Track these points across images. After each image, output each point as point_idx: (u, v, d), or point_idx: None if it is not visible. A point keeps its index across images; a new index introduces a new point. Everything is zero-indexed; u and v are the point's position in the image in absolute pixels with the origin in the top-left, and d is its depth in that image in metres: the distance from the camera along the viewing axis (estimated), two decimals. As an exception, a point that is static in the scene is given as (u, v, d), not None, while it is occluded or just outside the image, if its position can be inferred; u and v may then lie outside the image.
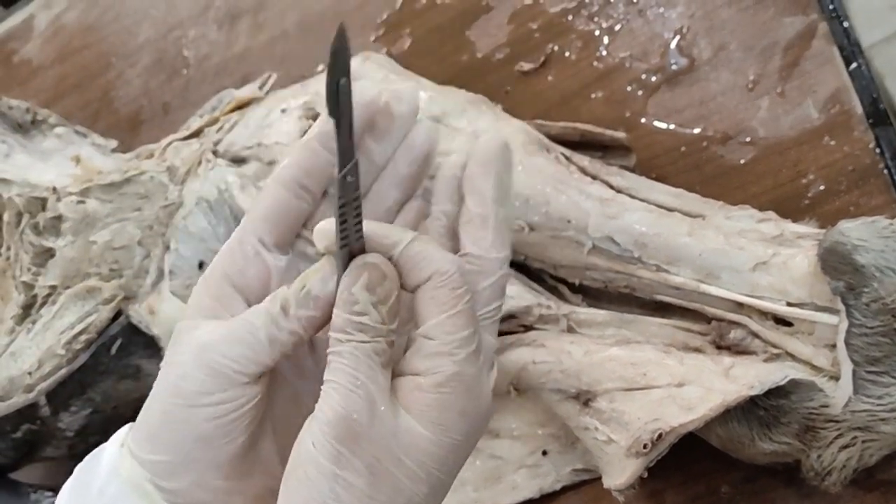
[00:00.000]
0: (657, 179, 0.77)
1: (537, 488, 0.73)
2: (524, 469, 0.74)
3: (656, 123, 0.83)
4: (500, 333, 0.73)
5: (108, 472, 0.51)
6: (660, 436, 0.60)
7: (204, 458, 0.47)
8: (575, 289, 0.76)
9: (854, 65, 0.76)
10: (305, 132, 0.78)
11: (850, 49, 0.76)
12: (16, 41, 1.51)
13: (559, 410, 0.69)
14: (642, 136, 0.83)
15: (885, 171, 0.71)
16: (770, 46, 0.80)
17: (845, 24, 0.77)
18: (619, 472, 0.63)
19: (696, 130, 0.81)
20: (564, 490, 0.72)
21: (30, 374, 0.88)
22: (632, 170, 0.78)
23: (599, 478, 0.65)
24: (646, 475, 0.62)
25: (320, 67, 1.08)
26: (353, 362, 0.43)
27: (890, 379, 0.59)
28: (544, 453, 0.73)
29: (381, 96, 0.52)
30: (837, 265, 0.59)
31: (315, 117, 0.84)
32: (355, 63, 0.87)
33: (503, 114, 0.81)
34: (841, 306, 0.59)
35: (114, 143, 1.19)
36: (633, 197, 0.73)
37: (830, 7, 0.78)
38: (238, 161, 0.88)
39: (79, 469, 0.55)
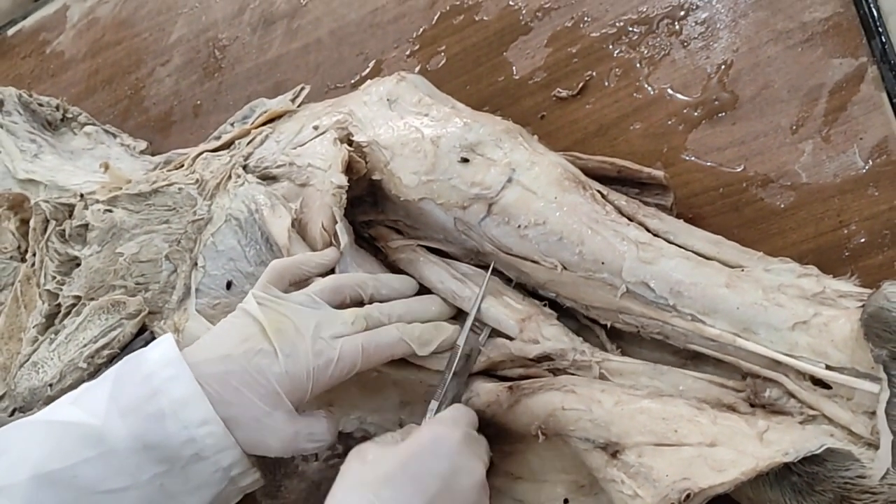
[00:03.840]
0: (694, 219, 0.76)
1: (555, 538, 0.72)
2: (544, 516, 0.73)
3: (695, 160, 0.82)
4: (531, 376, 0.73)
5: (160, 361, 0.67)
6: (688, 496, 0.59)
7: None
8: (608, 331, 0.75)
9: (903, 112, 0.74)
10: (342, 159, 0.77)
11: (901, 95, 0.74)
12: (49, 31, 1.50)
13: (586, 460, 0.67)
14: (680, 172, 0.81)
15: (932, 227, 0.70)
16: (816, 88, 0.78)
17: (896, 69, 0.75)
18: (644, 529, 0.61)
19: (737, 170, 0.79)
20: (586, 542, 0.71)
21: (51, 385, 0.87)
22: (669, 209, 0.77)
23: (623, 536, 0.64)
24: (668, 535, 0.61)
25: (355, 79, 1.07)
26: None
27: (930, 453, 0.57)
28: (566, 502, 0.72)
29: None
30: (881, 332, 0.58)
31: (347, 138, 0.83)
32: (390, 83, 0.86)
33: (539, 145, 0.80)
34: (883, 375, 0.58)
35: (143, 145, 1.19)
36: (670, 242, 0.71)
37: (881, 50, 0.76)
38: (268, 178, 0.87)
39: (123, 362, 0.69)
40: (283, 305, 0.71)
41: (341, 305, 0.74)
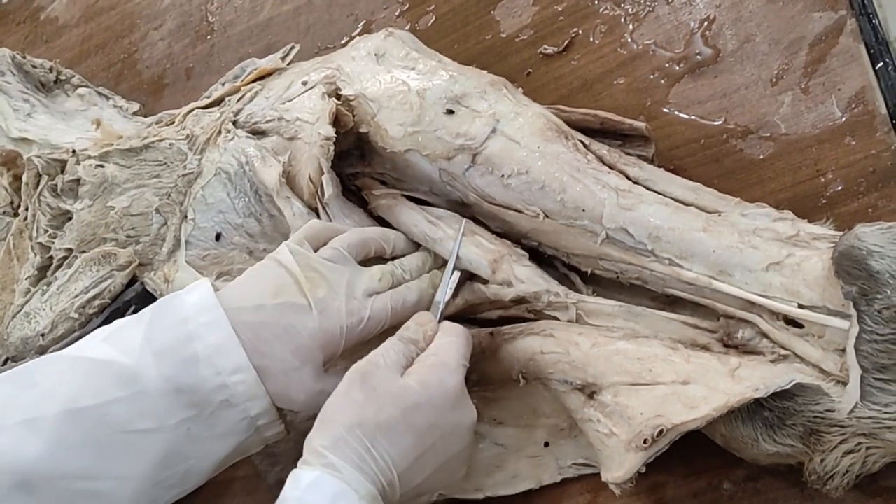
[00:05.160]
0: (675, 171, 0.77)
1: (537, 479, 0.73)
2: (526, 459, 0.74)
3: (677, 113, 0.83)
4: (510, 320, 0.74)
5: (197, 306, 0.68)
6: (661, 432, 0.61)
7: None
8: (586, 278, 0.76)
9: (881, 64, 0.75)
10: (329, 111, 0.78)
11: (878, 47, 0.75)
12: (43, -3, 1.51)
13: (565, 401, 0.69)
14: (662, 125, 0.82)
15: (906, 174, 0.71)
16: (796, 41, 0.79)
17: (874, 22, 0.76)
18: (618, 466, 0.63)
19: (717, 123, 0.80)
20: (565, 481, 0.73)
21: (42, 335, 0.88)
22: (650, 160, 0.78)
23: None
24: (644, 470, 0.62)
25: (345, 40, 1.08)
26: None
27: (898, 387, 0.58)
28: (546, 444, 0.74)
29: None
30: (851, 270, 0.59)
31: (335, 93, 0.84)
32: (378, 39, 0.87)
33: (523, 98, 0.81)
34: (853, 311, 0.59)
35: (136, 106, 1.20)
36: (649, 189, 0.72)
37: (860, 3, 0.77)
38: (258, 133, 0.88)
39: (158, 303, 0.70)
40: (315, 261, 0.71)
41: (366, 259, 0.75)
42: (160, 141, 0.92)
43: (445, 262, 0.77)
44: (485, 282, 0.76)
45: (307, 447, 0.62)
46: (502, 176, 0.75)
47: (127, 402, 0.65)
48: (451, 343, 0.69)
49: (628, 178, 0.73)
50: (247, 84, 0.96)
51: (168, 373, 0.66)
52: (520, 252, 0.77)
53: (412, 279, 0.76)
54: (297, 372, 0.68)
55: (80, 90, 1.20)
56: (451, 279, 0.75)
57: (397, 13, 1.06)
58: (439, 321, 0.73)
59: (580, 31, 0.91)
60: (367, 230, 0.77)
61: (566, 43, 0.92)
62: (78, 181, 0.93)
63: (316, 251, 0.73)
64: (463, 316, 0.76)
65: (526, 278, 0.74)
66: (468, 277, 0.77)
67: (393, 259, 0.77)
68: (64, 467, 0.64)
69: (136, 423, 0.66)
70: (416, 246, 0.80)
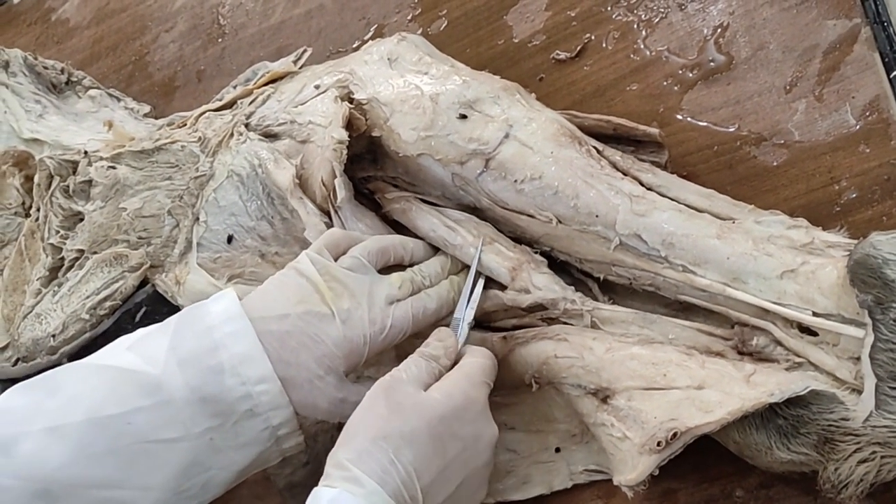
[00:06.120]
0: (688, 177, 0.77)
1: (548, 485, 0.73)
2: (537, 464, 0.74)
3: (690, 120, 0.83)
4: (524, 326, 0.74)
5: (222, 315, 0.68)
6: (675, 435, 0.61)
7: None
8: (600, 284, 0.76)
9: (895, 72, 0.75)
10: (342, 115, 0.78)
11: (893, 56, 0.75)
12: (54, -1, 1.51)
13: (578, 406, 0.69)
14: (676, 132, 0.82)
15: (921, 183, 0.71)
16: (810, 49, 0.79)
17: (889, 30, 0.76)
18: (631, 468, 0.63)
19: (731, 129, 0.80)
20: (576, 487, 0.73)
21: (53, 336, 0.89)
22: (663, 166, 0.78)
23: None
24: (657, 473, 0.62)
25: (356, 44, 1.08)
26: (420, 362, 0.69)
27: (913, 396, 0.58)
28: (557, 450, 0.74)
29: None
30: (866, 278, 0.59)
31: (348, 96, 0.84)
32: (391, 43, 0.87)
33: (536, 103, 0.81)
34: (868, 320, 0.59)
35: (147, 108, 1.20)
36: (663, 195, 0.72)
37: (874, 11, 0.77)
38: (270, 136, 0.88)
39: (184, 312, 0.70)
40: (336, 270, 0.71)
41: (385, 266, 0.76)
42: (172, 143, 0.93)
43: (464, 267, 0.78)
44: (502, 287, 0.76)
45: (331, 461, 0.62)
46: (515, 181, 0.75)
47: (151, 412, 0.65)
48: (476, 362, 0.70)
49: (642, 185, 0.73)
50: (259, 87, 0.96)
51: (193, 382, 0.66)
52: (538, 259, 0.76)
53: (431, 285, 0.76)
54: (321, 380, 0.68)
55: (92, 92, 1.20)
56: (472, 296, 0.76)
57: (409, 17, 1.06)
58: (465, 339, 0.74)
59: (593, 37, 0.91)
60: (385, 238, 0.77)
61: (579, 48, 0.92)
62: (90, 182, 0.94)
63: (336, 259, 0.73)
64: (478, 324, 0.76)
65: (543, 285, 0.74)
66: (484, 285, 0.77)
67: (411, 265, 0.77)
68: (86, 476, 0.64)
69: (159, 433, 0.66)
70: (435, 251, 0.80)
